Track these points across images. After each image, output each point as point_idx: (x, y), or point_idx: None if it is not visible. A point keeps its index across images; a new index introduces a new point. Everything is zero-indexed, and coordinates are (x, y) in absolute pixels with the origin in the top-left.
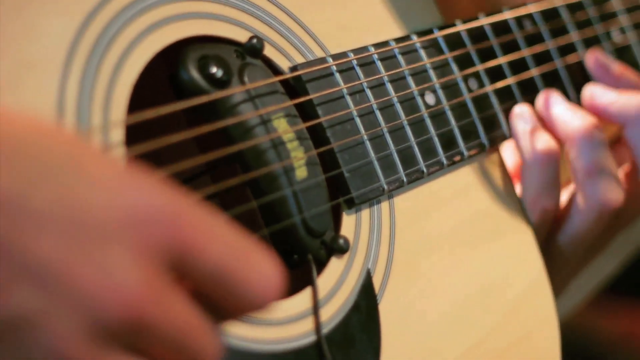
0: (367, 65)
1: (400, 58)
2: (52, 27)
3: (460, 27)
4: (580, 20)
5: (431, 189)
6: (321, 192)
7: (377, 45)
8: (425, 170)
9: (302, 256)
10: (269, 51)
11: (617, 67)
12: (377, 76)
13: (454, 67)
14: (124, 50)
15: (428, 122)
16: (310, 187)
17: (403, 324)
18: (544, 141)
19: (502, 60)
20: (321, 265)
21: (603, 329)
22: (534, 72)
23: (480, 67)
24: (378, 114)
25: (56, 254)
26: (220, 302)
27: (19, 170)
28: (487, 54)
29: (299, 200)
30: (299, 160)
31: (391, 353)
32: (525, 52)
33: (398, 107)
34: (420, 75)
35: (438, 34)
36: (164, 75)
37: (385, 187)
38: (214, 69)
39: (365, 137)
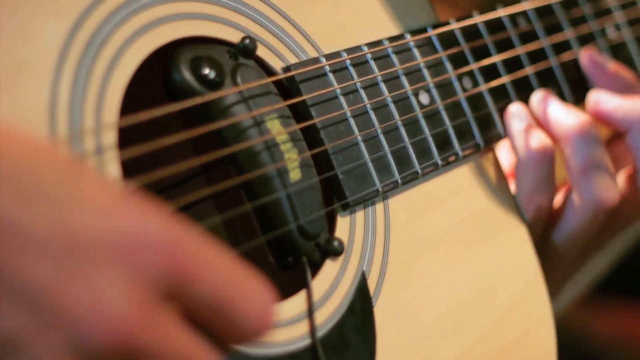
0: (360, 65)
1: (393, 57)
2: (44, 28)
3: (454, 26)
4: (575, 17)
5: (426, 189)
6: (315, 194)
7: (370, 45)
8: (420, 171)
9: (297, 259)
10: (261, 51)
11: (612, 66)
12: (370, 76)
13: (448, 66)
14: (117, 52)
15: (422, 122)
16: (304, 189)
17: (398, 326)
18: (539, 139)
19: (496, 58)
20: (316, 267)
21: (599, 329)
22: (529, 70)
23: (474, 66)
24: (372, 114)
25: (46, 276)
26: (217, 329)
27: (13, 192)
28: (481, 53)
29: (293, 202)
30: (293, 162)
31: (386, 355)
32: (520, 50)
33: (392, 107)
34: (414, 74)
35: (432, 33)
36: (157, 77)
37: (380, 188)
38: (206, 70)
39: (359, 138)
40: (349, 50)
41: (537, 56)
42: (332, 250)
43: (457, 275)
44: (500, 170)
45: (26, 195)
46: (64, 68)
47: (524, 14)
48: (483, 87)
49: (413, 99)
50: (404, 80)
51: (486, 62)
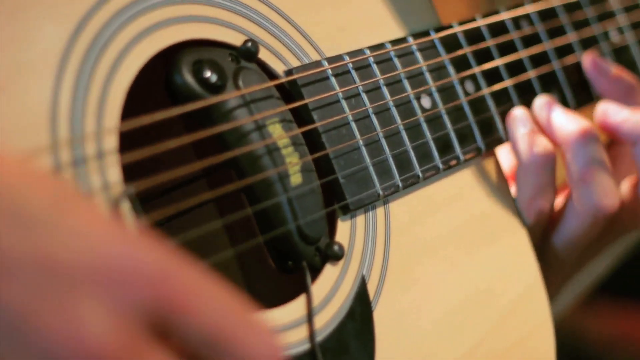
0: (362, 68)
1: (396, 61)
2: (46, 31)
3: (457, 29)
4: (578, 21)
5: (427, 193)
6: (316, 198)
7: (372, 48)
8: (421, 175)
9: (297, 263)
10: (263, 54)
11: (614, 70)
12: (372, 80)
13: (451, 69)
14: (118, 55)
15: (424, 126)
16: (305, 193)
17: (398, 330)
18: (541, 144)
19: (499, 62)
20: (316, 271)
21: (597, 330)
22: (531, 74)
23: (476, 70)
24: (374, 118)
25: (22, 300)
26: None
27: None
28: (484, 56)
29: (294, 206)
30: (294, 166)
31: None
32: (523, 54)
33: (394, 111)
34: (416, 78)
35: (435, 36)
36: (158, 80)
37: (381, 192)
38: (208, 74)
39: (360, 142)
40: (351, 54)
41: (539, 60)
42: (332, 254)
43: (457, 279)
44: (501, 173)
45: (7, 218)
46: (66, 71)
47: (527, 17)
48: (485, 91)
49: (415, 103)
50: (406, 83)
51: (489, 65)
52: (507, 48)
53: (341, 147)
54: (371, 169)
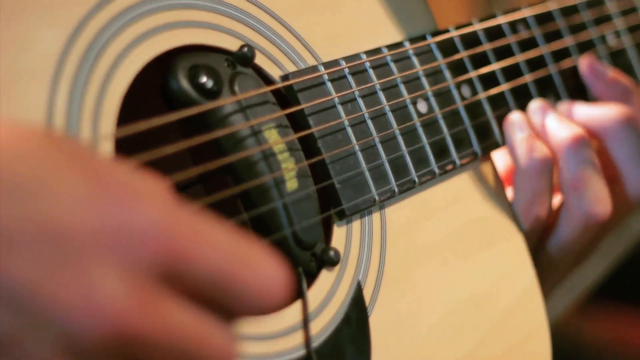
0: (359, 73)
1: (392, 65)
2: (42, 37)
3: (454, 33)
4: (575, 24)
5: (423, 198)
6: (312, 203)
7: (369, 53)
8: (417, 180)
9: (293, 268)
10: (260, 60)
11: (611, 73)
12: (369, 84)
13: (447, 73)
14: (114, 60)
15: (420, 131)
16: (300, 198)
17: (394, 335)
18: (538, 150)
19: (495, 66)
20: (312, 277)
21: (593, 334)
22: (528, 78)
23: (473, 74)
24: (370, 123)
25: (31, 271)
26: (225, 307)
27: None
28: (480, 60)
29: (290, 212)
30: (290, 172)
31: None
32: (519, 58)
33: (390, 116)
34: (412, 82)
35: (431, 41)
36: (154, 85)
37: (377, 197)
38: (204, 79)
39: (356, 147)
40: (347, 59)
41: (536, 64)
42: (328, 260)
43: (453, 283)
44: (497, 178)
45: (2, 189)
46: (62, 77)
47: (523, 21)
48: (482, 95)
49: (411, 108)
50: (402, 88)
51: (485, 70)
52: (503, 52)
53: (337, 152)
54: (367, 174)
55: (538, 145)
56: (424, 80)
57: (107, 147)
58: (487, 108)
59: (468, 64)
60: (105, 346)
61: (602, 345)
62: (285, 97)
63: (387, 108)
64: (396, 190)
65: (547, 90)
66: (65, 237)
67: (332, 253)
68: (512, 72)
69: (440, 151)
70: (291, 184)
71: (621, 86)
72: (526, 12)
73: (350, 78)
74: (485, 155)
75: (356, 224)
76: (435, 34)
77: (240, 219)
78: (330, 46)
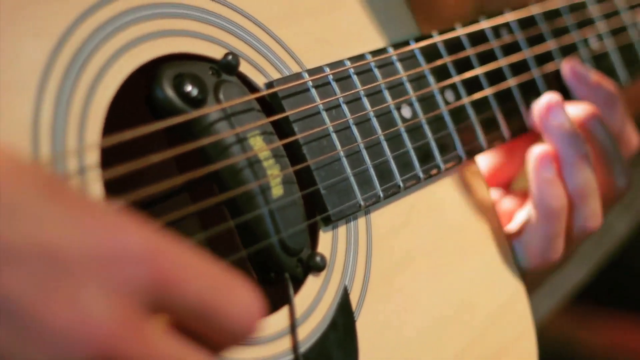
0: (343, 79)
1: (376, 71)
2: (26, 49)
3: (437, 39)
4: (558, 28)
5: (408, 203)
6: (297, 210)
7: (353, 59)
8: (401, 185)
9: (279, 274)
10: (244, 67)
11: (593, 77)
12: (353, 91)
13: (431, 79)
14: (99, 71)
15: (404, 136)
16: (286, 205)
17: (380, 340)
18: (560, 197)
19: (478, 71)
20: (298, 283)
21: (585, 340)
22: (511, 82)
23: (456, 79)
24: (354, 129)
25: (25, 290)
26: (206, 336)
27: None
28: (463, 65)
29: (275, 218)
30: (275, 178)
31: None
32: (502, 62)
33: (374, 121)
34: (396, 88)
35: (414, 46)
36: (140, 95)
37: (362, 203)
38: (189, 88)
39: (341, 153)
40: (331, 65)
41: (519, 68)
42: (315, 265)
43: (439, 288)
44: (482, 182)
45: (3, 210)
46: (46, 88)
47: (506, 25)
48: (465, 100)
49: (395, 113)
50: (387, 94)
51: (469, 74)
52: (487, 57)
53: (322, 159)
54: (352, 179)
55: (560, 191)
56: (408, 86)
57: (93, 156)
58: (471, 112)
59: (451, 69)
60: None
61: (600, 352)
62: (269, 104)
63: (372, 114)
64: (381, 195)
65: (531, 94)
66: (57, 259)
67: (318, 259)
68: (495, 77)
69: (425, 156)
70: (277, 191)
71: (604, 90)
72: (509, 17)
73: (334, 84)
74: (470, 159)
75: (342, 230)
76: (419, 39)
77: (226, 226)
78: (314, 53)
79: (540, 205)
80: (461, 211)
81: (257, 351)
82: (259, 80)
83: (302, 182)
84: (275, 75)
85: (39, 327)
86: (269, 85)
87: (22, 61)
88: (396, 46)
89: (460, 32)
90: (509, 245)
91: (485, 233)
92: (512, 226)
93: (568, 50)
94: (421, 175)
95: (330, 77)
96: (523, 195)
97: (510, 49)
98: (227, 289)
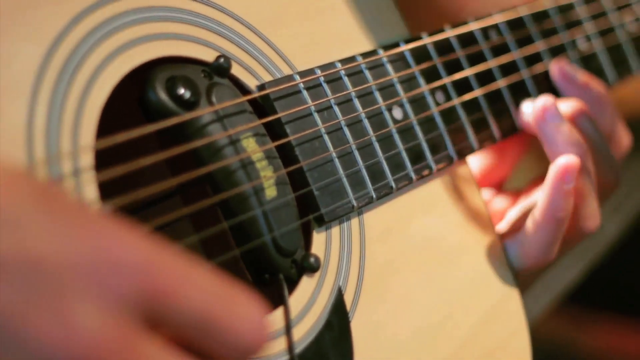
0: (334, 81)
1: (367, 73)
2: (20, 52)
3: (427, 40)
4: (546, 29)
5: (400, 204)
6: (291, 211)
7: (343, 61)
8: (394, 185)
9: (273, 275)
10: (236, 70)
11: (582, 77)
12: (344, 92)
13: (421, 80)
14: (93, 74)
15: (396, 137)
16: (279, 206)
17: (375, 340)
18: (570, 208)
19: (468, 72)
20: (293, 284)
21: (584, 343)
22: (501, 83)
23: (447, 80)
24: (346, 130)
25: (11, 301)
26: (208, 350)
27: None
28: (453, 66)
29: (269, 219)
30: (268, 180)
31: None
32: (492, 63)
33: (366, 122)
34: (387, 89)
35: (404, 48)
36: (133, 97)
37: (355, 203)
38: (181, 90)
39: (334, 154)
40: (322, 67)
41: (509, 69)
42: (309, 266)
43: (433, 288)
44: (473, 182)
45: None
46: (40, 91)
47: (495, 27)
48: (456, 101)
49: (387, 114)
50: (378, 95)
51: (458, 76)
52: (476, 58)
53: (315, 160)
54: (345, 180)
55: (571, 201)
56: (399, 87)
57: (87, 159)
58: (462, 113)
59: (441, 70)
60: None
61: (594, 355)
62: (262, 106)
63: (363, 115)
64: (374, 196)
65: (521, 94)
66: (46, 269)
67: (312, 259)
68: (485, 78)
69: (416, 156)
70: (270, 192)
71: (593, 91)
72: (498, 18)
73: (325, 86)
74: (461, 160)
75: (335, 230)
76: (408, 41)
77: (220, 228)
78: (305, 55)
79: (550, 212)
80: (453, 211)
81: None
82: (251, 83)
83: (295, 184)
84: (267, 78)
85: (24, 342)
86: (261, 87)
87: (15, 64)
88: (386, 48)
89: (450, 33)
90: (501, 245)
91: (477, 233)
92: (503, 225)
93: (557, 51)
94: (413, 175)
95: (322, 78)
96: (514, 195)
97: (500, 50)
98: (228, 300)
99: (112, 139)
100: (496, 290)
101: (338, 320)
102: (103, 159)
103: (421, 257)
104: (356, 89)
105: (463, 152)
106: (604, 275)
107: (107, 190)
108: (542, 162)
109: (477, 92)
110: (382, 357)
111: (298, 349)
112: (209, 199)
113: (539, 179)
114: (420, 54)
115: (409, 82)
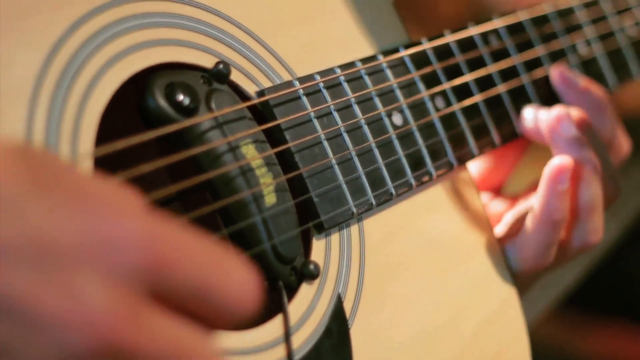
0: (334, 87)
1: (366, 79)
2: (18, 59)
3: (426, 45)
4: (546, 34)
5: (400, 210)
6: (290, 217)
7: (343, 67)
8: (393, 192)
9: (273, 283)
10: (235, 76)
11: (582, 82)
12: (344, 98)
13: (421, 86)
14: (92, 80)
15: (396, 143)
16: (279, 213)
17: (375, 347)
18: (566, 210)
19: (468, 77)
20: (292, 291)
21: (583, 349)
22: (501, 88)
23: (446, 85)
24: (346, 136)
25: (21, 283)
26: (205, 316)
27: None
28: (453, 72)
29: (269, 226)
30: (268, 187)
31: None
32: (492, 68)
33: (366, 129)
34: (387, 95)
35: (404, 53)
36: (132, 104)
37: (354, 210)
38: (180, 97)
39: (333, 161)
40: (322, 73)
41: (508, 74)
42: (308, 273)
43: (432, 295)
44: (473, 189)
45: None
46: (39, 98)
47: (495, 32)
48: (456, 107)
49: (386, 120)
50: (377, 101)
51: (458, 81)
52: (476, 63)
53: (314, 166)
54: (344, 187)
55: (567, 204)
56: (398, 93)
57: (86, 166)
58: (462, 119)
59: (441, 76)
60: (94, 356)
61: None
62: (261, 112)
63: (363, 121)
64: (374, 202)
65: (521, 100)
66: (52, 250)
67: (312, 266)
68: (485, 83)
69: (416, 163)
70: (269, 199)
71: (593, 96)
72: (497, 23)
73: (325, 92)
74: (461, 165)
75: (335, 237)
76: (408, 46)
77: (219, 235)
78: (304, 61)
79: (545, 215)
80: (453, 218)
81: (251, 359)
82: (250, 89)
83: (295, 190)
84: (266, 84)
85: (36, 320)
86: (260, 93)
87: (14, 70)
88: (386, 53)
89: (449, 38)
90: (501, 249)
91: (477, 239)
92: (501, 228)
93: (557, 56)
94: (413, 182)
95: (321, 84)
96: (512, 199)
97: (500, 55)
98: (223, 265)
99: (111, 146)
100: (496, 296)
101: (337, 327)
102: (102, 166)
103: (421, 262)
104: (356, 94)
105: (463, 158)
106: (602, 279)
107: None
108: (540, 167)
109: (477, 98)
110: None
111: (297, 357)
112: (209, 206)
113: (537, 183)
114: (420, 59)
115: (409, 88)
